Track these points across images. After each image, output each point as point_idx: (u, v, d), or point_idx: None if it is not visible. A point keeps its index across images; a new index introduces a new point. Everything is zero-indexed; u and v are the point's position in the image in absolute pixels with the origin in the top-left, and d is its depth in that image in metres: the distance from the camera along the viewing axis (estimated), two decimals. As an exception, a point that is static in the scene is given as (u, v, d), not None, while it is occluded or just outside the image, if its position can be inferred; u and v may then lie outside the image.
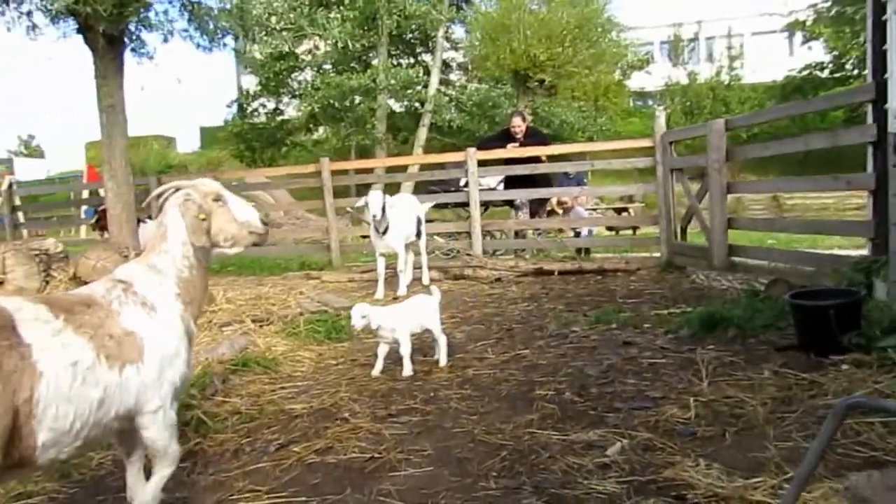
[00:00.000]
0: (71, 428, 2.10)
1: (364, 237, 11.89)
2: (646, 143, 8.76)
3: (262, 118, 23.52)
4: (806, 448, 2.71)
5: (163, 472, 2.53)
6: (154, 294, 2.45)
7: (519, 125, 9.76)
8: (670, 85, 28.96)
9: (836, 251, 7.55)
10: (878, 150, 4.99)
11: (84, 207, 15.02)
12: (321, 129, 22.96)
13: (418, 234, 7.33)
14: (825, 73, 26.50)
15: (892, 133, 4.20)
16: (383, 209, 6.59)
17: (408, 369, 4.33)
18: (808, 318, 3.97)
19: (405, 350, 4.35)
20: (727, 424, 3.05)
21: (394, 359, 4.50)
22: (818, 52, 27.23)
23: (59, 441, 2.08)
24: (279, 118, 23.44)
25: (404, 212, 7.06)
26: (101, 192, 13.33)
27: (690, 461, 2.71)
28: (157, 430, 2.44)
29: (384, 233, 6.75)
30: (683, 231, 8.34)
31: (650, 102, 31.89)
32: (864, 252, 5.61)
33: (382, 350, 4.43)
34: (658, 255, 8.42)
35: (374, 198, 6.61)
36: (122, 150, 6.68)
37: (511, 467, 2.89)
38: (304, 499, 2.82)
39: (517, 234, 9.96)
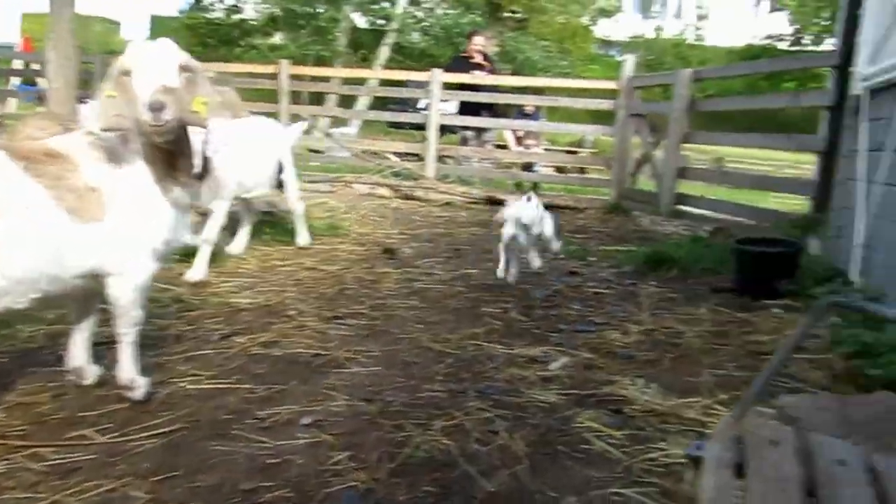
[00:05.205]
0: (24, 277, 2.03)
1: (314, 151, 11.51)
2: (611, 85, 8.77)
3: (220, 14, 22.29)
4: (736, 376, 2.87)
5: (126, 339, 2.48)
6: (121, 154, 2.31)
7: (481, 45, 9.43)
8: (635, 37, 28.96)
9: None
10: (833, 114, 5.18)
11: (15, 80, 13.96)
12: (278, 36, 21.95)
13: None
14: (784, 45, 27.12)
15: (854, 95, 4.31)
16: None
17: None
18: (750, 264, 4.13)
19: None
20: (665, 351, 3.19)
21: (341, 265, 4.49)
22: (782, 23, 27.68)
23: (12, 290, 2.02)
24: (237, 16, 22.27)
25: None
26: (37, 66, 12.35)
27: (629, 380, 2.82)
28: (121, 290, 2.35)
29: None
30: (632, 176, 8.49)
31: (612, 52, 31.82)
32: (804, 212, 5.84)
33: None
34: (606, 197, 8.55)
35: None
36: (69, 21, 6.15)
37: (456, 373, 2.95)
38: (248, 386, 2.81)
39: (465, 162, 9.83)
